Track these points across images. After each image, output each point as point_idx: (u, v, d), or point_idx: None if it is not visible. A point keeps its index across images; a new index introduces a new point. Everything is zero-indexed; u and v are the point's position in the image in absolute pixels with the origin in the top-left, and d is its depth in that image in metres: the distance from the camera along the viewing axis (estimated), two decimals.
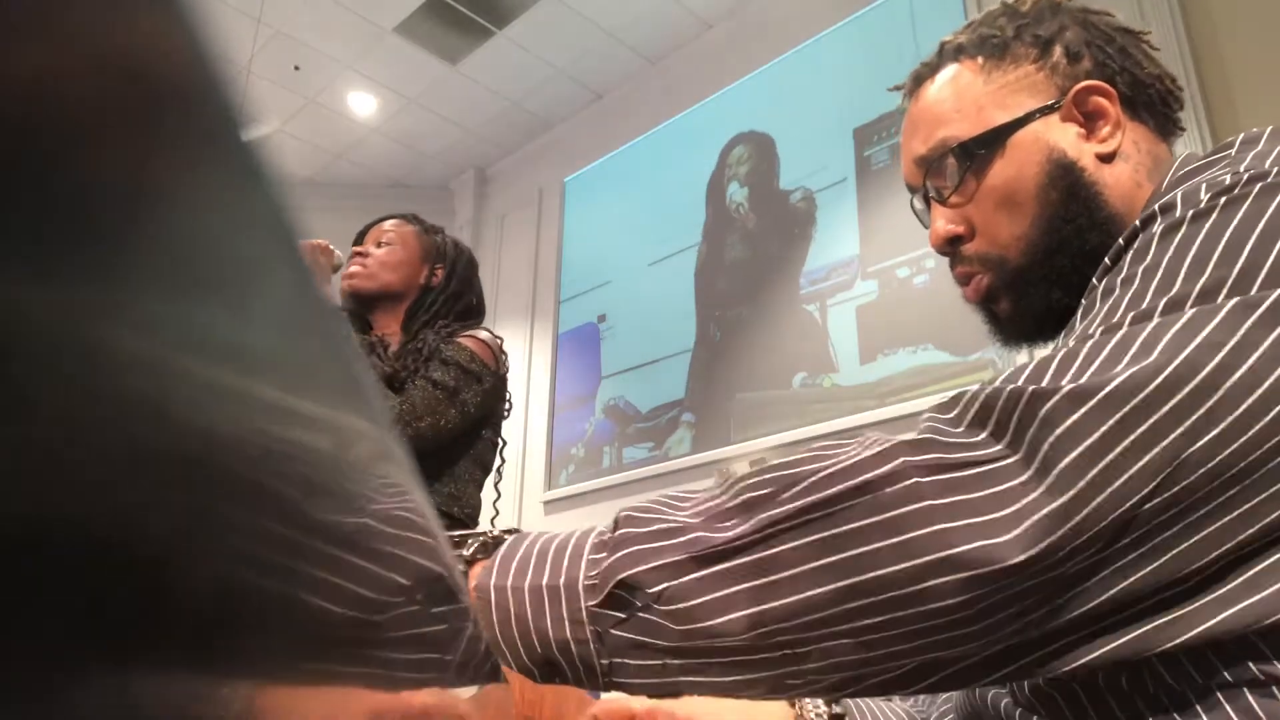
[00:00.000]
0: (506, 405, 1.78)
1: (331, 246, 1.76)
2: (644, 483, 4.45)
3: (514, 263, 5.73)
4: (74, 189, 0.09)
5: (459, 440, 1.65)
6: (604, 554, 0.49)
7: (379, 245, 1.78)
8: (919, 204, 0.79)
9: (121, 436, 0.11)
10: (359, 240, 1.83)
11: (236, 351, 0.14)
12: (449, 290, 1.79)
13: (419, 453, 1.53)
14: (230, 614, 0.14)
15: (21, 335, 0.09)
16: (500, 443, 1.78)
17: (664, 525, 0.49)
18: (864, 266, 3.90)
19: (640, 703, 0.62)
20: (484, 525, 1.75)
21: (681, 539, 0.47)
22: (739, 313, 4.35)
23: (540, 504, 4.93)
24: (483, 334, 1.73)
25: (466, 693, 0.37)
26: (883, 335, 3.75)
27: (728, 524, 0.47)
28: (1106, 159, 0.70)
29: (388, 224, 1.82)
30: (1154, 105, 0.73)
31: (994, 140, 0.72)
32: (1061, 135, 0.71)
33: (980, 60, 0.75)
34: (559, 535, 0.53)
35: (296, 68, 5.05)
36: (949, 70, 0.77)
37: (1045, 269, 0.70)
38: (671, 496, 0.53)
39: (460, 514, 1.65)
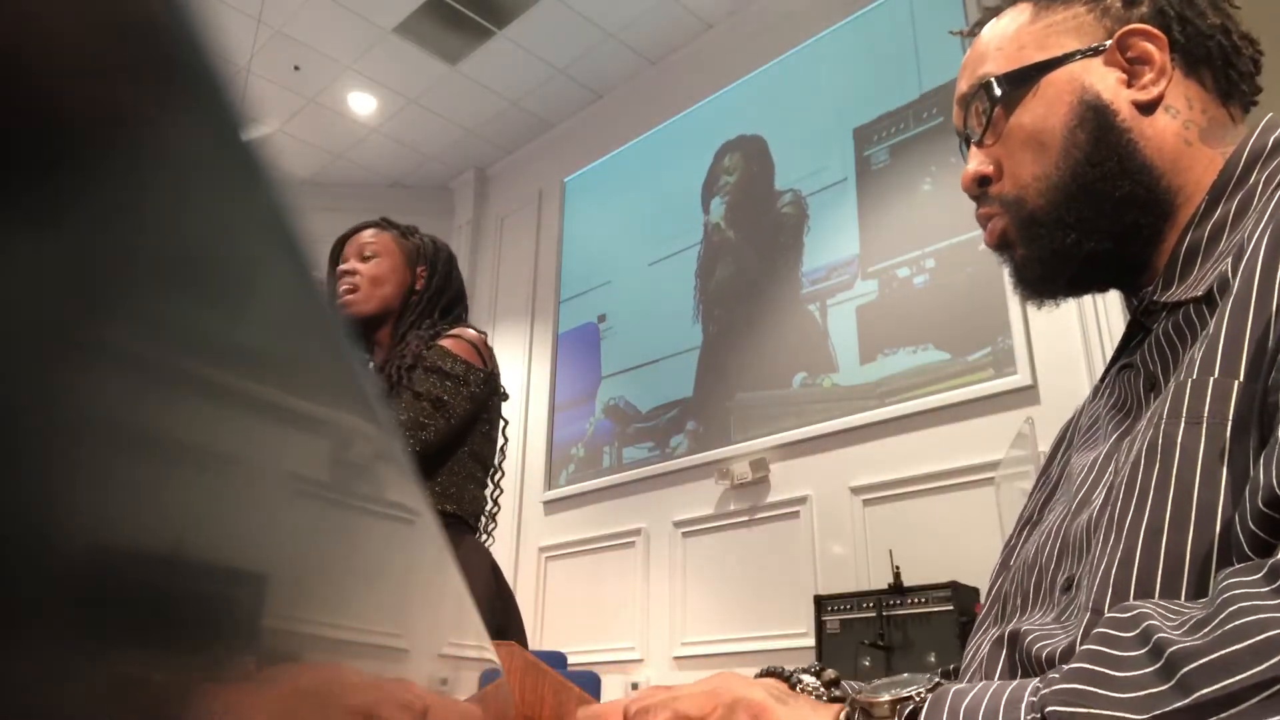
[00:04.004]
0: (502, 393, 1.77)
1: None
2: (644, 482, 4.45)
3: (514, 263, 5.73)
4: (73, 190, 0.09)
5: (451, 441, 1.65)
6: None
7: (363, 259, 1.77)
8: (964, 151, 0.77)
9: (121, 435, 0.11)
10: (337, 253, 1.82)
11: (236, 351, 0.14)
12: (432, 289, 1.79)
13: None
14: (229, 615, 0.14)
15: (22, 334, 0.09)
16: (502, 440, 1.78)
17: None
18: (864, 266, 3.90)
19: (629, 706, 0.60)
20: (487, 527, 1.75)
21: None
22: (739, 313, 4.35)
23: (540, 504, 4.93)
24: (467, 333, 1.73)
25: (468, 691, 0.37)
26: (883, 335, 3.75)
27: None
28: (1146, 108, 0.66)
29: (366, 234, 1.81)
30: (1213, 60, 0.68)
31: (1027, 77, 0.69)
32: (1100, 79, 0.67)
33: (1035, 1, 0.73)
34: (981, 705, 0.45)
35: (296, 68, 5.05)
36: (1007, 13, 0.75)
37: (1061, 212, 0.67)
38: (1101, 658, 0.43)
39: (458, 512, 1.64)
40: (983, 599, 0.72)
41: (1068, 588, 0.59)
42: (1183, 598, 0.50)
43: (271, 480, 0.16)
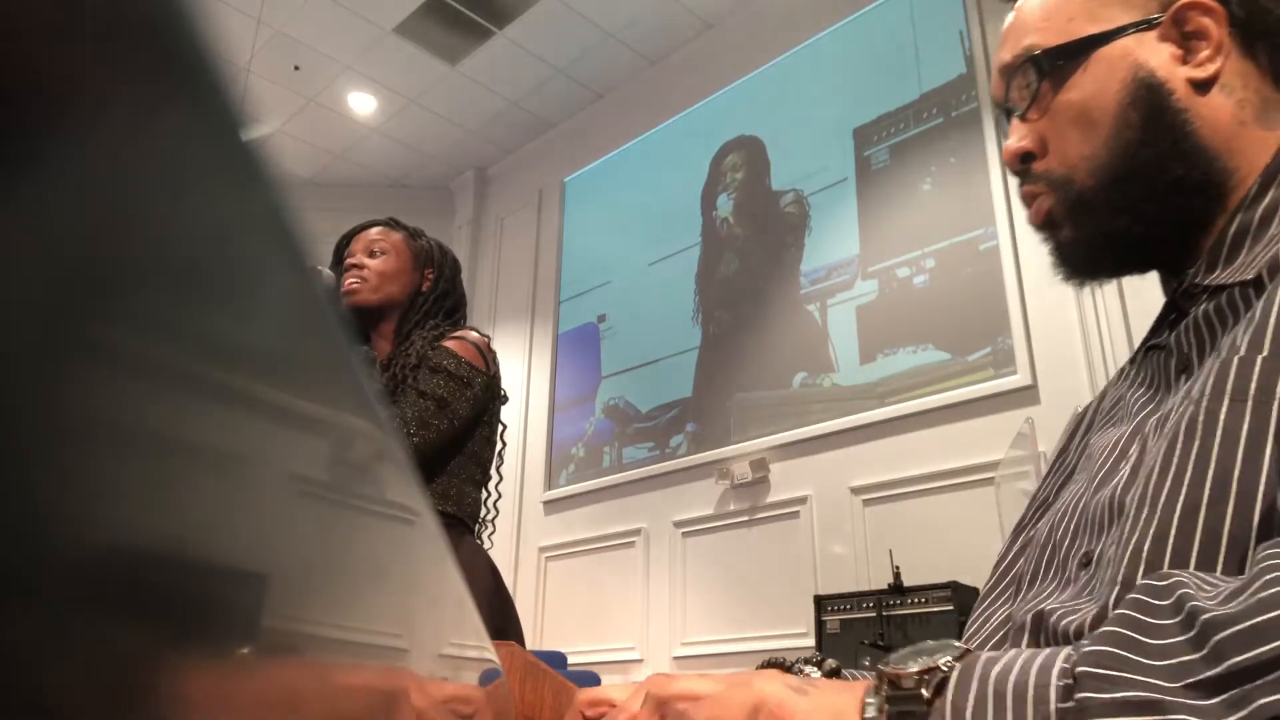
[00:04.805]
0: (502, 397, 1.78)
1: (320, 268, 1.75)
2: (644, 482, 4.46)
3: (514, 263, 5.73)
4: (71, 189, 0.09)
5: (452, 443, 1.65)
6: None
7: (371, 255, 1.77)
8: (1006, 122, 0.74)
9: (121, 435, 0.11)
10: (341, 249, 1.82)
11: (236, 351, 0.14)
12: (438, 291, 1.80)
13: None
14: (229, 615, 0.14)
15: (21, 336, 0.09)
16: (500, 444, 1.78)
17: (1132, 696, 0.40)
18: (864, 266, 3.91)
19: (623, 690, 0.58)
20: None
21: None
22: (739, 313, 4.35)
23: (540, 504, 4.94)
24: (471, 335, 1.73)
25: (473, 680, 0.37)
26: (883, 335, 3.75)
27: (1211, 701, 0.38)
28: (1202, 86, 0.63)
29: (374, 232, 1.81)
30: (1272, 36, 0.65)
31: (1077, 52, 0.66)
32: (1153, 54, 0.64)
33: None
34: (1011, 673, 0.44)
35: (296, 68, 5.05)
36: None
37: (1111, 194, 0.65)
38: (1135, 624, 0.42)
39: (458, 513, 1.65)
40: (988, 577, 0.70)
41: (1086, 563, 0.58)
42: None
43: (272, 480, 0.16)
